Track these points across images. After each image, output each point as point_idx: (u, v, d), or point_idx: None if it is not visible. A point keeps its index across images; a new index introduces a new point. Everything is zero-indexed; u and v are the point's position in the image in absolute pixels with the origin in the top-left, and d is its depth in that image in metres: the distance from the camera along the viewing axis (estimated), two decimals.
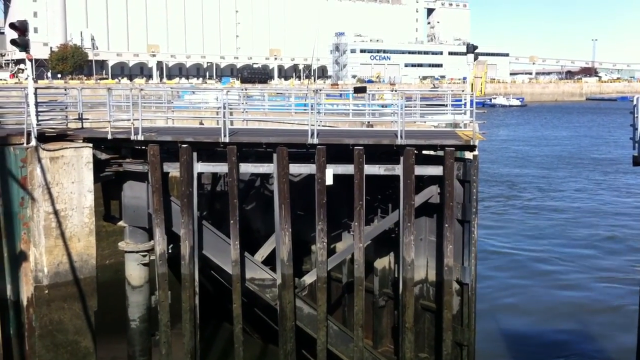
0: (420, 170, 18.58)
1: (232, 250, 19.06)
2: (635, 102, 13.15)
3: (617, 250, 35.51)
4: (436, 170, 18.61)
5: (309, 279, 20.22)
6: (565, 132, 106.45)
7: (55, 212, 17.39)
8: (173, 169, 19.49)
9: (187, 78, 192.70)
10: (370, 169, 18.62)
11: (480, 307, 19.48)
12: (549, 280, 30.51)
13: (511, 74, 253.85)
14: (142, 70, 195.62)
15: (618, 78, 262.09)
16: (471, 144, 18.29)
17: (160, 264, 19.10)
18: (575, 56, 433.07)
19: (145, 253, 20.26)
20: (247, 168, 19.45)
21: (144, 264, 20.35)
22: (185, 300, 18.94)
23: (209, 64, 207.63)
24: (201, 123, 24.59)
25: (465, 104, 21.53)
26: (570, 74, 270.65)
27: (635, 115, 13.12)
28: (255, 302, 20.68)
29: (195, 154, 18.95)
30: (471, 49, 32.50)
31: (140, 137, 18.72)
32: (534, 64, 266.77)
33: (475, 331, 18.89)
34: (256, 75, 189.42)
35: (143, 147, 19.31)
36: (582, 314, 26.44)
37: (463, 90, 22.65)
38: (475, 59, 26.14)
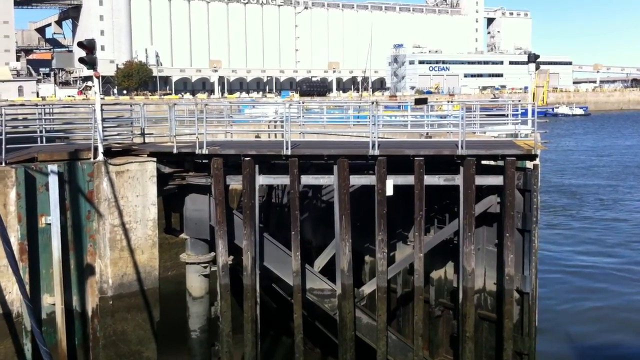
0: (481, 180, 18.63)
1: (293, 261, 19.30)
2: None
3: None
4: (496, 180, 18.65)
5: (368, 288, 20.29)
6: (632, 142, 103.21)
7: (121, 225, 17.87)
8: (235, 182, 19.84)
9: (248, 92, 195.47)
10: (430, 179, 18.72)
11: (540, 316, 19.25)
12: (611, 291, 29.60)
13: (574, 82, 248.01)
14: (204, 86, 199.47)
15: None
16: (532, 153, 18.26)
17: (223, 275, 19.39)
18: None
19: (206, 264, 20.59)
20: (308, 180, 19.71)
21: (205, 276, 20.67)
22: (247, 310, 19.19)
23: (268, 78, 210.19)
24: (257, 136, 24.95)
25: (524, 114, 21.22)
26: (636, 82, 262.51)
27: None
28: (313, 313, 20.77)
29: (257, 167, 19.22)
30: (532, 58, 31.96)
31: (204, 151, 19.12)
32: (598, 72, 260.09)
33: (536, 340, 18.74)
34: (315, 88, 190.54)
35: (204, 161, 19.68)
36: None
37: (520, 100, 22.26)
38: (537, 68, 25.74)
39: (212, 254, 20.42)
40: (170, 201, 21.11)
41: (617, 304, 28.14)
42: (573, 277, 31.97)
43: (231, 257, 19.90)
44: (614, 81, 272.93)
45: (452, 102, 38.22)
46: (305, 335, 19.66)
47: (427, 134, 24.07)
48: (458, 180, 18.63)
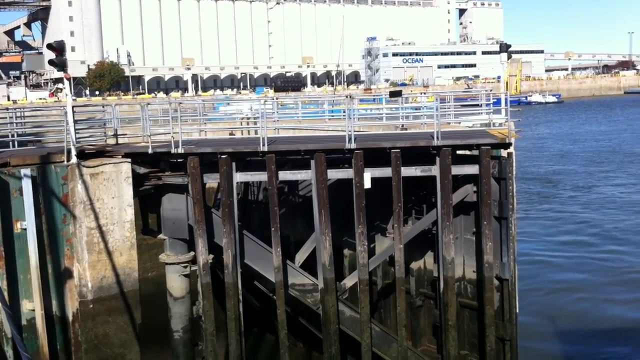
0: (457, 169, 18.86)
1: (274, 257, 19.32)
2: None
3: None
4: (472, 169, 18.89)
5: (349, 282, 20.41)
6: (605, 127, 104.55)
7: (98, 228, 17.72)
8: (211, 180, 19.78)
9: (222, 89, 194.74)
10: (407, 171, 18.88)
11: (520, 303, 19.55)
12: (588, 277, 30.02)
13: (547, 70, 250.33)
14: (177, 84, 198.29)
15: None
16: (506, 141, 18.51)
17: (204, 274, 19.31)
18: (612, 50, 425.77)
19: (186, 264, 20.49)
20: (286, 175, 19.70)
21: (185, 275, 20.58)
22: (230, 308, 19.17)
23: (242, 75, 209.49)
24: (231, 134, 24.89)
25: (497, 103, 21.43)
26: (607, 68, 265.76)
27: None
28: (295, 308, 20.82)
29: (234, 164, 19.18)
30: (504, 47, 32.19)
31: (180, 150, 18.99)
32: (569, 59, 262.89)
33: (517, 326, 19.02)
34: (289, 83, 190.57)
35: (180, 160, 19.57)
36: (627, 311, 25.94)
37: (492, 90, 22.52)
38: (509, 57, 25.95)
39: (192, 253, 20.32)
40: (147, 202, 20.96)
41: (594, 289, 28.55)
42: (551, 264, 32.35)
43: (211, 255, 19.84)
44: (585, 68, 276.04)
45: (424, 93, 38.40)
46: (289, 331, 19.72)
47: (403, 126, 24.21)
48: (434, 170, 18.81)
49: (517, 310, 19.12)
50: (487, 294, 18.77)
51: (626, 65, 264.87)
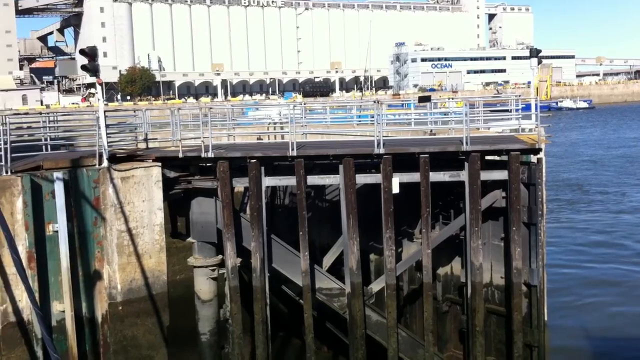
0: (486, 175, 18.79)
1: (302, 262, 19.39)
2: None
3: None
4: (501, 175, 18.80)
5: (376, 286, 20.43)
6: (636, 134, 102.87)
7: (128, 230, 17.93)
8: (240, 184, 19.93)
9: (251, 95, 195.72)
10: (435, 176, 18.87)
11: (550, 309, 19.51)
12: (619, 285, 29.54)
13: (578, 76, 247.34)
14: (207, 89, 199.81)
15: None
16: (536, 147, 18.47)
17: (232, 278, 19.46)
18: None
19: (214, 267, 20.64)
20: (314, 180, 19.79)
21: (213, 279, 20.73)
22: (258, 312, 19.27)
23: (271, 80, 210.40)
24: (259, 138, 25.05)
25: (527, 108, 21.28)
26: (639, 74, 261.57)
27: None
28: (322, 312, 20.84)
29: (262, 169, 19.29)
30: (534, 52, 31.87)
31: (210, 154, 19.16)
32: (601, 64, 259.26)
33: (546, 332, 18.93)
34: (318, 88, 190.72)
35: (209, 165, 19.74)
36: None
37: (519, 95, 22.41)
38: (539, 62, 25.74)
39: (220, 256, 20.48)
40: (176, 205, 21.16)
41: (625, 298, 28.08)
42: (580, 271, 31.90)
43: (239, 259, 19.96)
44: (617, 73, 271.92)
45: (452, 99, 38.27)
46: (315, 335, 19.75)
47: (431, 131, 24.12)
48: (463, 176, 18.81)
49: (546, 317, 18.99)
50: (516, 300, 18.67)
51: None
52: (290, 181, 19.70)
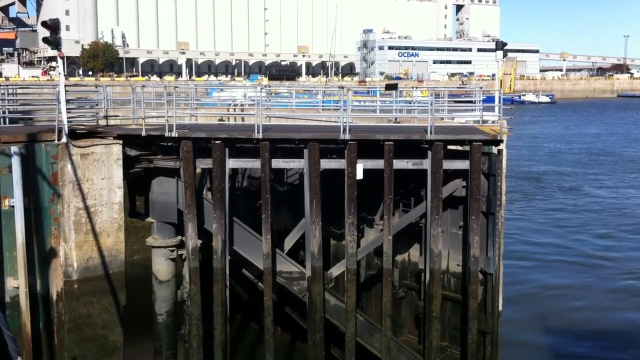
0: (448, 164, 19.05)
1: (263, 245, 19.38)
2: None
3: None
4: (463, 165, 19.09)
5: (336, 271, 20.56)
6: (597, 130, 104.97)
7: (86, 208, 17.63)
8: (203, 165, 19.76)
9: (216, 75, 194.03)
10: (399, 164, 19.04)
11: (504, 297, 19.89)
12: (572, 275, 30.26)
13: (541, 70, 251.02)
14: (171, 68, 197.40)
15: None
16: (498, 138, 18.82)
17: (193, 259, 19.31)
18: (607, 52, 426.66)
19: (173, 248, 20.46)
20: (279, 164, 19.75)
21: (171, 259, 20.56)
22: (217, 293, 19.21)
23: (237, 62, 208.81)
24: (221, 120, 24.86)
25: (491, 100, 21.56)
26: (601, 71, 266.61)
27: None
28: (280, 296, 20.87)
29: (227, 150, 19.16)
30: (500, 45, 32.16)
31: (174, 134, 18.93)
32: (564, 60, 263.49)
33: (500, 319, 19.36)
34: (284, 72, 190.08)
35: (172, 144, 19.50)
36: (606, 309, 26.23)
37: (481, 88, 22.77)
38: (505, 55, 26.04)
39: (179, 237, 20.31)
40: (136, 184, 20.89)
41: (576, 288, 28.79)
42: (536, 261, 32.54)
43: (199, 240, 19.83)
44: (579, 70, 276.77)
45: (416, 88, 38.54)
46: (274, 318, 19.79)
47: (396, 119, 24.23)
48: (426, 164, 19.04)
49: (500, 304, 19.41)
50: (472, 287, 19.08)
51: (620, 68, 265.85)
52: (254, 164, 19.60)
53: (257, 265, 20.00)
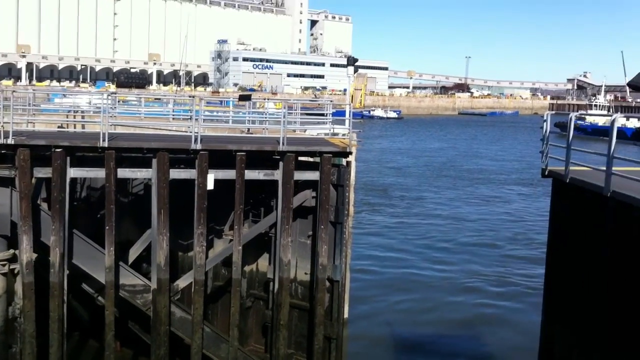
0: (299, 175, 19.40)
1: (106, 257, 18.62)
2: (545, 118, 14.26)
3: (478, 253, 37.38)
4: (313, 175, 19.52)
5: (183, 282, 20.18)
6: (440, 144, 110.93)
7: None
8: (41, 174, 18.61)
9: (59, 81, 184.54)
10: (250, 174, 19.14)
11: (351, 304, 20.53)
12: (415, 282, 31.62)
13: (390, 87, 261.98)
14: (10, 72, 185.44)
15: (488, 94, 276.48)
16: (347, 150, 19.46)
17: (27, 273, 18.10)
18: (450, 72, 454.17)
19: (5, 262, 19.03)
20: (125, 173, 19.10)
21: (2, 274, 19.12)
22: (54, 309, 18.16)
23: (83, 67, 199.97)
24: (60, 127, 23.68)
25: (342, 114, 22.17)
26: (444, 89, 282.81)
27: (545, 130, 14.14)
28: (123, 310, 20.08)
29: (68, 159, 18.20)
30: (351, 61, 33.12)
31: (10, 141, 17.67)
32: (411, 78, 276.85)
33: (345, 325, 19.99)
34: (133, 79, 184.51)
35: (7, 152, 18.23)
36: (449, 310, 27.63)
37: (331, 101, 23.57)
38: (356, 71, 26.85)
39: (11, 251, 18.94)
40: None
41: (421, 293, 30.07)
42: (382, 269, 33.61)
43: (35, 254, 18.58)
44: (425, 87, 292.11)
45: (268, 99, 38.96)
46: (115, 334, 19.02)
47: (249, 130, 24.32)
48: (277, 175, 19.28)
49: (346, 311, 19.97)
50: (319, 294, 19.54)
51: (462, 87, 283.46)
52: (98, 173, 18.76)
53: (99, 279, 19.13)
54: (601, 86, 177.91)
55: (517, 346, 23.68)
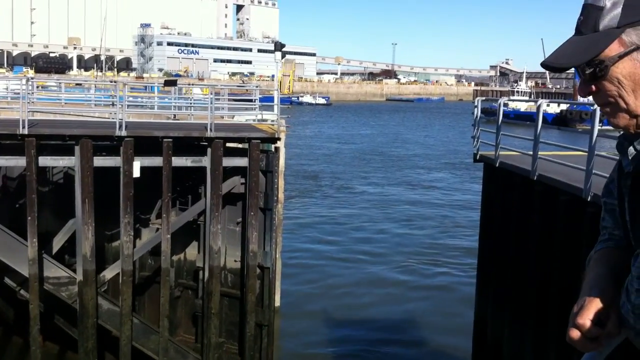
0: (227, 161, 19.21)
1: (29, 249, 17.96)
2: (476, 104, 14.43)
3: (408, 233, 38.00)
4: (242, 162, 19.40)
5: (110, 273, 19.72)
6: (368, 131, 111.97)
7: None
8: None
9: None
10: (178, 161, 18.82)
11: (285, 290, 20.39)
12: (348, 270, 31.85)
13: (318, 73, 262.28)
14: None
15: (415, 80, 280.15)
16: (275, 136, 19.46)
17: None
18: (377, 58, 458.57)
19: None
20: (46, 161, 18.50)
21: None
22: None
23: None
24: None
25: (270, 100, 22.05)
26: (372, 76, 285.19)
27: (475, 115, 14.33)
28: (47, 304, 19.43)
29: None
30: (279, 46, 32.87)
31: None
32: (339, 64, 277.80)
33: (276, 311, 19.96)
34: (53, 64, 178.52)
35: None
36: (381, 296, 27.96)
37: (257, 87, 23.45)
38: (283, 57, 26.72)
39: None
40: None
41: (354, 279, 30.31)
42: (313, 255, 33.71)
43: None
44: (353, 74, 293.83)
45: (193, 85, 38.40)
46: (40, 329, 18.40)
47: (175, 116, 23.93)
48: (205, 161, 19.01)
49: (278, 297, 19.94)
50: (250, 281, 19.47)
51: (389, 74, 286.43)
52: (18, 161, 18.10)
53: (21, 272, 18.41)
54: (523, 73, 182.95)
55: (452, 327, 24.14)
